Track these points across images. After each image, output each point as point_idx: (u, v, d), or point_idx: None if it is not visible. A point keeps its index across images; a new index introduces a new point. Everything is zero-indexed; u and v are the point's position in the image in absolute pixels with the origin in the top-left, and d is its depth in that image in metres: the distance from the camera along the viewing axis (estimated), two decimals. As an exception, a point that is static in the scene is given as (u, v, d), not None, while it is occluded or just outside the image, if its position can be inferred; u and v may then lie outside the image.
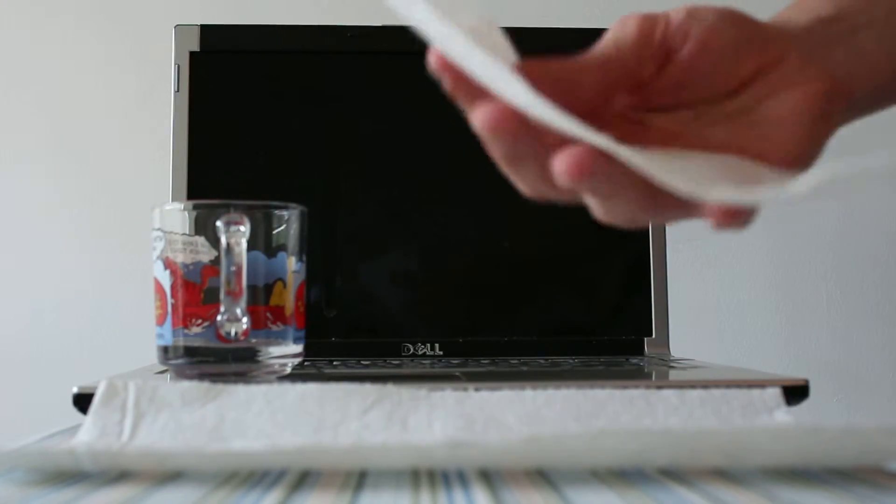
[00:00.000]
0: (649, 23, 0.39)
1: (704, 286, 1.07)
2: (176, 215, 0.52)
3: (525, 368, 0.64)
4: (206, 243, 0.51)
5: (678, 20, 0.39)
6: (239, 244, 0.50)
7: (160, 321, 0.52)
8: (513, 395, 0.38)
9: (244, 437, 0.35)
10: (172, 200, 0.75)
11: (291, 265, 0.53)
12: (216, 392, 0.38)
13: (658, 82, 0.40)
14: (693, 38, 0.39)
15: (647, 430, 0.31)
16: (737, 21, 0.40)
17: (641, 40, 0.39)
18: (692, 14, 0.40)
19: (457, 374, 0.59)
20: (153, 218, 0.53)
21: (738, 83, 0.40)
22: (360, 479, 0.31)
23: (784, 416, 0.37)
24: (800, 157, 0.38)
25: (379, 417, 0.36)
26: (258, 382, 0.46)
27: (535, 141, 0.36)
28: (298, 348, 0.53)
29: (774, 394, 0.38)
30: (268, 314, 0.51)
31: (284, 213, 0.52)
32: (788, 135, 0.38)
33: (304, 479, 0.31)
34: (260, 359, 0.51)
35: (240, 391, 0.38)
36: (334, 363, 0.69)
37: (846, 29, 0.43)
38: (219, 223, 0.50)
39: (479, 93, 0.35)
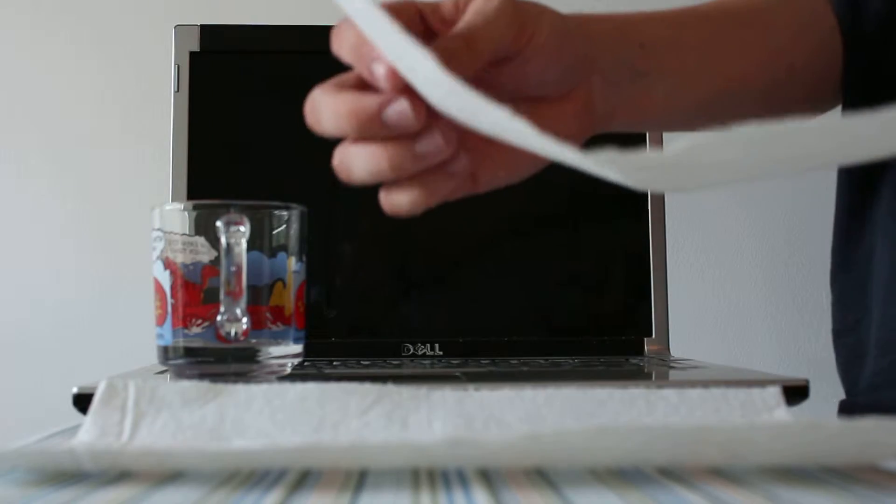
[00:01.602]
0: (522, 27, 0.42)
1: (704, 286, 1.07)
2: (176, 215, 0.52)
3: (525, 368, 0.64)
4: (206, 243, 0.51)
5: (543, 42, 0.42)
6: (239, 244, 0.50)
7: (160, 321, 0.52)
8: (513, 395, 0.38)
9: (244, 436, 0.35)
10: (172, 200, 0.75)
11: (291, 265, 0.53)
12: (216, 392, 0.38)
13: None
14: (542, 64, 0.43)
15: (647, 427, 0.31)
16: (579, 67, 0.45)
17: (513, 35, 0.41)
18: (558, 48, 0.43)
19: (457, 374, 0.59)
20: (153, 218, 0.53)
21: (538, 98, 0.44)
22: (360, 478, 0.31)
23: (784, 415, 0.37)
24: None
25: (379, 417, 0.36)
26: (258, 382, 0.46)
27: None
28: (298, 348, 0.53)
29: (774, 393, 0.38)
30: (268, 314, 0.51)
31: (284, 213, 0.52)
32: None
33: (304, 479, 0.31)
34: (260, 359, 0.51)
35: (240, 391, 0.38)
36: (334, 363, 0.69)
37: (645, 83, 0.49)
38: (219, 223, 0.50)
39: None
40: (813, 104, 0.58)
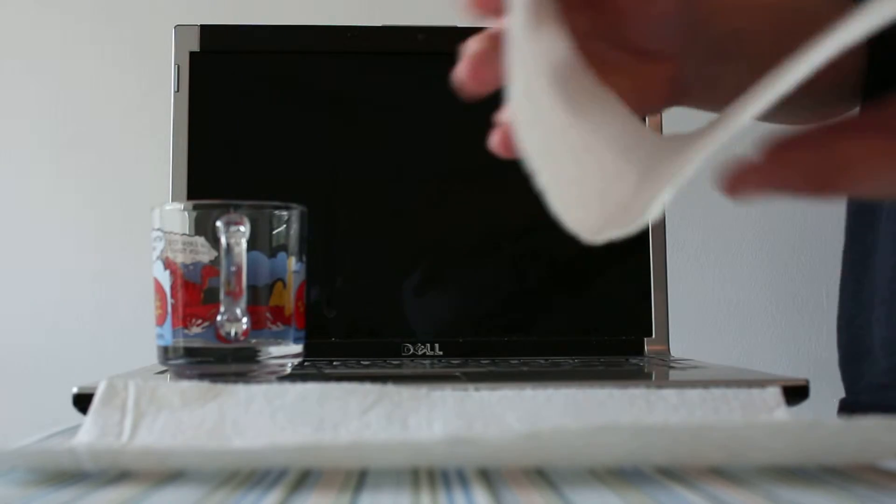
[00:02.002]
0: None
1: (704, 286, 1.07)
2: (176, 215, 0.52)
3: (525, 368, 0.64)
4: (206, 243, 0.51)
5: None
6: (239, 244, 0.50)
7: (160, 321, 0.52)
8: (513, 395, 0.38)
9: (244, 436, 0.35)
10: (172, 200, 0.75)
11: (291, 265, 0.53)
12: (216, 392, 0.38)
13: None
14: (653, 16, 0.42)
15: (647, 426, 0.31)
16: (697, 23, 0.44)
17: None
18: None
19: (457, 374, 0.59)
20: (153, 218, 0.53)
21: (643, 51, 0.43)
22: (360, 478, 0.31)
23: (784, 415, 0.37)
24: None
25: (379, 417, 0.36)
26: (258, 382, 0.46)
27: None
28: (298, 348, 0.53)
29: (774, 393, 0.38)
30: (268, 314, 0.51)
31: (284, 213, 0.52)
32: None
33: (304, 479, 0.31)
34: (260, 359, 0.51)
35: (240, 391, 0.38)
36: (334, 363, 0.69)
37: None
38: (219, 223, 0.50)
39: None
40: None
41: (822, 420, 0.31)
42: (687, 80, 0.46)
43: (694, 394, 0.38)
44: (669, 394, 0.38)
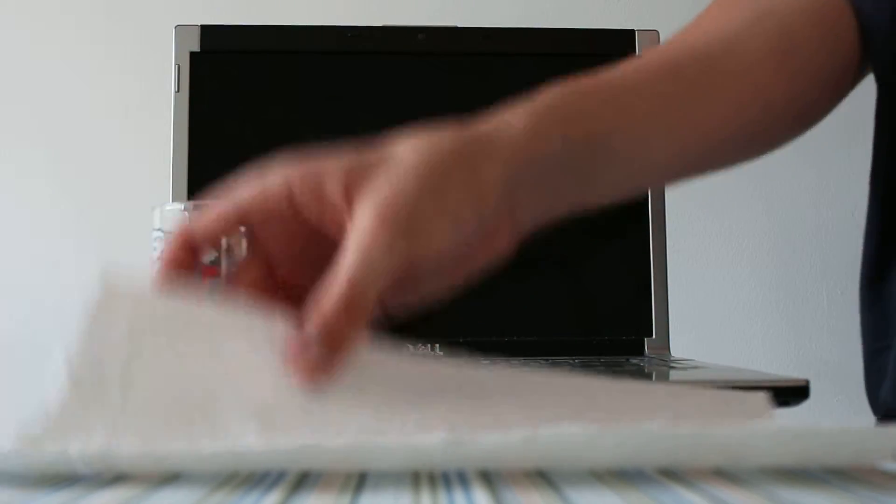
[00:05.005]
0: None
1: (704, 286, 1.07)
2: (176, 215, 0.52)
3: (525, 368, 0.64)
4: (206, 243, 0.51)
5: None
6: (239, 244, 0.50)
7: (160, 321, 0.52)
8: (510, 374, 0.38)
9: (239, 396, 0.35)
10: (172, 200, 0.75)
11: (291, 265, 0.52)
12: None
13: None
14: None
15: (648, 430, 0.31)
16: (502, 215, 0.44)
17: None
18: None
19: (457, 374, 0.59)
20: (153, 218, 0.53)
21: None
22: (360, 479, 0.31)
23: (774, 419, 0.37)
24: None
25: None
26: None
27: None
28: (298, 348, 0.53)
29: (763, 397, 0.38)
30: (268, 314, 0.51)
31: (284, 213, 0.52)
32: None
33: (304, 479, 0.31)
34: (260, 359, 0.51)
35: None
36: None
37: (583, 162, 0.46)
38: (219, 223, 0.49)
39: None
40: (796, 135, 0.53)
41: (821, 425, 0.31)
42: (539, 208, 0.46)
43: (685, 394, 0.38)
44: (661, 394, 0.38)
